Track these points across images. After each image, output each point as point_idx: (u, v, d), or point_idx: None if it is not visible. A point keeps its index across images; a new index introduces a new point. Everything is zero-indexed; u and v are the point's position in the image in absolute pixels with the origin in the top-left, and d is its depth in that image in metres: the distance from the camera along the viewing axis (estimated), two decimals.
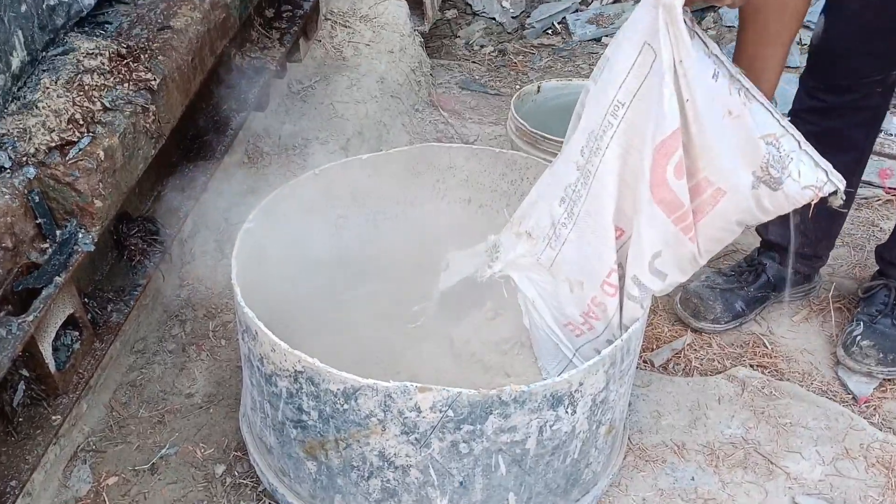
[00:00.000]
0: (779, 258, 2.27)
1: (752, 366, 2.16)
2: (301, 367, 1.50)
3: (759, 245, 2.32)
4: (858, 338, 2.14)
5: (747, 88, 1.60)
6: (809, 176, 1.60)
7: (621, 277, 1.70)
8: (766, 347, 2.21)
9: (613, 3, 3.63)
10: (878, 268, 2.28)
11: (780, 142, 1.60)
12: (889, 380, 2.12)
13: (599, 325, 1.74)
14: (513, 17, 3.72)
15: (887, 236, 2.25)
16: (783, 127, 1.60)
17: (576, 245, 1.72)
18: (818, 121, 2.10)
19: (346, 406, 1.51)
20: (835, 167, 1.60)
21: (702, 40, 1.58)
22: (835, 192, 1.60)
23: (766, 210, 1.65)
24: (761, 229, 2.27)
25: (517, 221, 1.85)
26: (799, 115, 2.14)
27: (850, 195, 2.15)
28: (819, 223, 2.19)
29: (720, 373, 2.14)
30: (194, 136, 2.10)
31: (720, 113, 1.59)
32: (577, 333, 1.78)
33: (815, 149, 1.61)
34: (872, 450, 1.96)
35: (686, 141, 1.58)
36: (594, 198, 1.67)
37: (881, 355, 2.12)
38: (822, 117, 2.11)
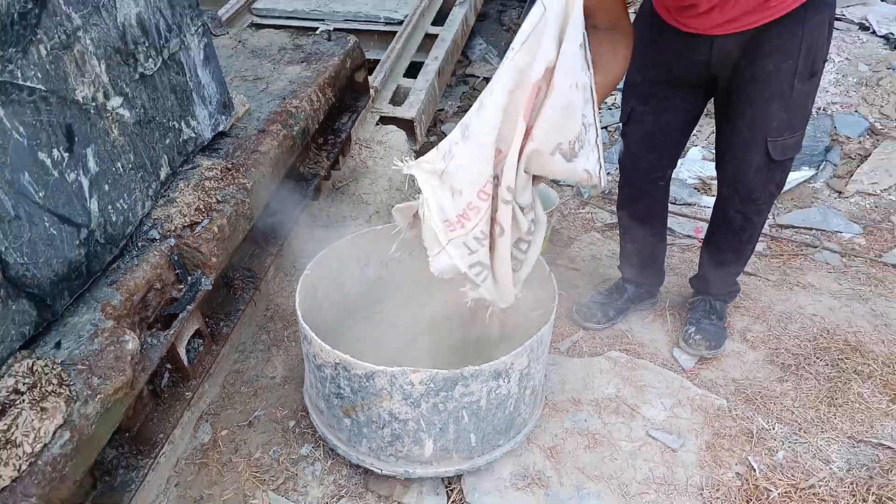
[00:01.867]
0: (634, 284, 2.25)
1: (620, 350, 2.13)
2: (338, 360, 1.49)
3: (622, 277, 2.29)
4: (692, 332, 2.11)
5: (591, 74, 1.37)
6: (592, 165, 1.42)
7: (496, 187, 1.42)
8: (629, 338, 2.19)
9: None
10: (693, 289, 2.26)
11: (590, 129, 1.39)
12: (709, 358, 2.10)
13: (469, 225, 1.44)
14: None
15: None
16: (596, 119, 1.40)
17: (461, 160, 1.41)
18: (629, 205, 2.07)
19: (367, 383, 1.49)
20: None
21: (582, 19, 1.31)
22: (595, 185, 1.42)
23: (550, 171, 1.41)
24: (622, 270, 2.25)
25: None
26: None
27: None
28: (651, 266, 2.21)
29: (601, 355, 2.11)
30: (275, 213, 2.10)
31: (572, 80, 1.33)
32: (451, 229, 1.46)
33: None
34: (695, 400, 1.94)
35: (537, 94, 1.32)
36: (481, 123, 1.37)
37: (707, 342, 2.09)
38: (632, 203, 2.07)
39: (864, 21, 3.55)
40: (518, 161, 1.37)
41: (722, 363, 2.09)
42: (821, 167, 2.93)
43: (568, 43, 1.30)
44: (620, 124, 2.01)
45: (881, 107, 3.05)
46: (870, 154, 2.90)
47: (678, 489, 1.71)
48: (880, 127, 3.00)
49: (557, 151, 1.37)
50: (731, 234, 2.01)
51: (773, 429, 1.87)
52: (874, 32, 3.50)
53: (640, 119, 1.90)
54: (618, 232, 2.24)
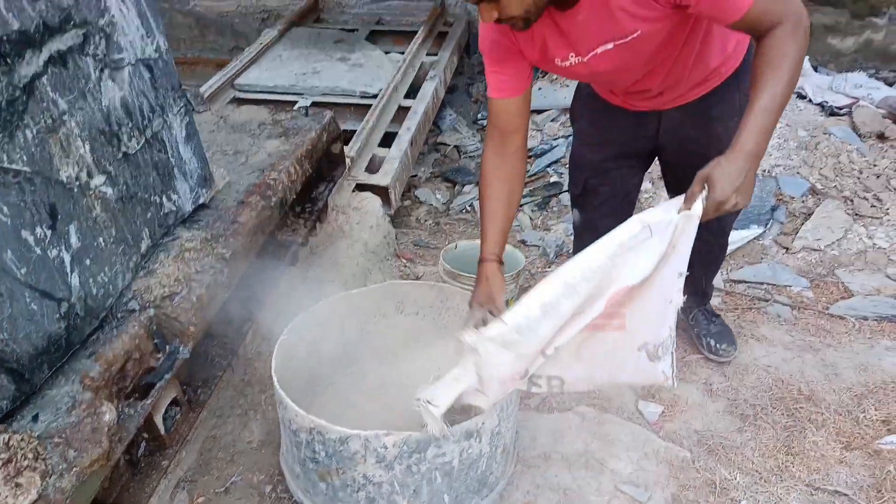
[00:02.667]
0: None
1: (587, 405, 2.12)
2: (313, 425, 1.47)
3: None
4: (713, 343, 2.17)
5: (681, 297, 1.42)
6: (667, 367, 1.49)
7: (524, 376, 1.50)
8: (595, 393, 2.17)
9: None
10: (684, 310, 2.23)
11: (668, 339, 1.46)
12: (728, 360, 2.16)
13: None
14: (443, 204, 3.77)
15: None
16: (672, 332, 1.46)
17: (542, 333, 1.44)
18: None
19: (341, 448, 1.47)
20: None
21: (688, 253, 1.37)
22: (669, 386, 1.52)
23: (629, 368, 1.48)
24: None
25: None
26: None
27: None
28: None
29: (570, 410, 2.10)
30: (253, 280, 2.09)
31: (667, 296, 1.41)
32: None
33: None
34: (660, 453, 1.94)
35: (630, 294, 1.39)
36: (533, 320, 1.42)
37: (731, 345, 2.19)
38: None
39: (800, 90, 3.72)
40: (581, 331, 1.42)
41: (684, 414, 2.10)
42: (768, 225, 3.02)
43: (669, 267, 1.38)
44: (569, 193, 2.05)
45: (820, 168, 3.18)
46: (812, 212, 3.00)
47: None
48: (820, 187, 3.12)
49: (644, 349, 1.46)
50: (709, 254, 2.04)
51: (735, 479, 1.87)
52: (810, 101, 3.67)
53: (594, 190, 1.95)
54: None
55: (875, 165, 3.19)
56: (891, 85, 3.85)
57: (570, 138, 3.82)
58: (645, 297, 1.42)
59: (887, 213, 3.00)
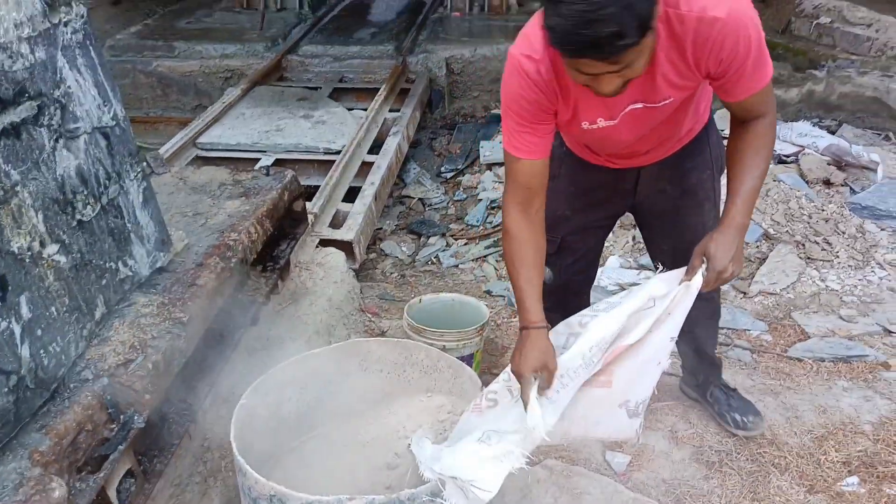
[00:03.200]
0: None
1: (555, 457, 2.13)
2: (273, 492, 1.44)
3: None
4: (739, 418, 2.16)
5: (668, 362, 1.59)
6: (640, 426, 1.61)
7: None
8: (563, 446, 2.18)
9: (465, 245, 3.75)
10: (696, 386, 2.29)
11: (649, 398, 1.61)
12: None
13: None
14: (408, 256, 3.80)
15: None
16: (654, 391, 1.61)
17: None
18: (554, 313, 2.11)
19: None
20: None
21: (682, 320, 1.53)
22: (635, 442, 1.66)
23: (606, 423, 1.59)
24: None
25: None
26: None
27: None
28: None
29: (537, 464, 2.09)
30: (213, 342, 2.07)
31: (658, 358, 1.55)
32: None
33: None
34: None
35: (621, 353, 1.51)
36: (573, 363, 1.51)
37: (756, 415, 2.17)
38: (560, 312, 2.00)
39: None
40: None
41: (652, 464, 2.11)
42: None
43: (663, 331, 1.51)
44: None
45: (772, 214, 3.30)
46: (767, 257, 3.11)
47: None
48: (773, 232, 3.24)
49: (624, 406, 1.54)
50: (709, 314, 2.08)
51: None
52: None
53: (571, 247, 1.98)
54: None
55: (823, 210, 3.33)
56: (833, 133, 4.05)
57: None
58: (635, 357, 1.52)
59: (837, 256, 3.12)
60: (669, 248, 1.93)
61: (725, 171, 1.79)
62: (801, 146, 3.79)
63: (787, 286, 2.98)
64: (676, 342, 2.18)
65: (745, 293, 2.98)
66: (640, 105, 1.48)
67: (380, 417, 1.96)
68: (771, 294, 2.95)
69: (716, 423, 2.24)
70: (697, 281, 1.49)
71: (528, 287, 1.57)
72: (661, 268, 1.62)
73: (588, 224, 1.97)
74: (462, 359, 2.13)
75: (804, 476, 2.04)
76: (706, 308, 2.05)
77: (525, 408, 1.51)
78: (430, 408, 1.91)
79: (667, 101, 1.48)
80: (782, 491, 1.99)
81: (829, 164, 3.61)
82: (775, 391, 2.41)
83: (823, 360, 2.57)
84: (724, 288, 3.04)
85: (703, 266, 1.49)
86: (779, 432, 2.21)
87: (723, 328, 2.78)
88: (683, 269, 1.54)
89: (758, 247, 3.19)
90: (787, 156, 3.73)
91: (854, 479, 2.00)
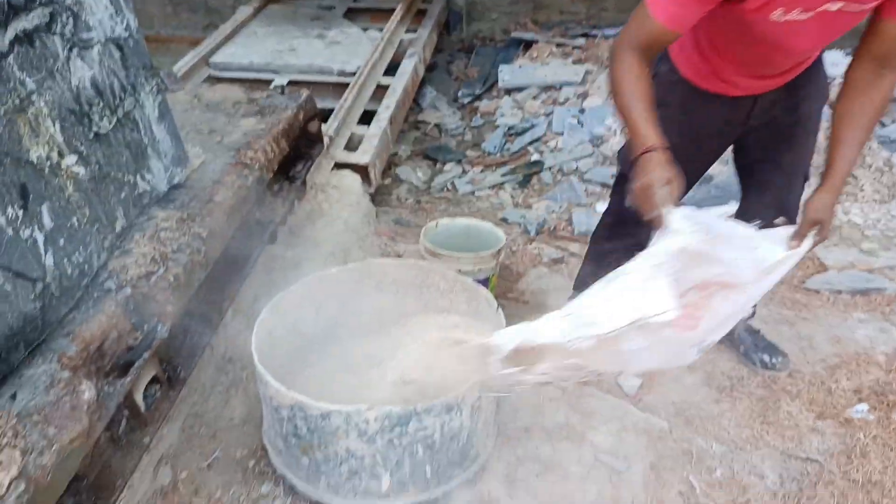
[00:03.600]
0: None
1: None
2: (294, 401, 1.50)
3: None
4: (768, 359, 2.15)
5: None
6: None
7: None
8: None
9: (481, 172, 3.72)
10: None
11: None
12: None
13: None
14: (424, 182, 3.79)
15: None
16: None
17: None
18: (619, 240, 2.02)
19: (323, 423, 1.50)
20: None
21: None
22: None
23: (667, 358, 1.46)
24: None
25: None
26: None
27: None
28: None
29: (550, 384, 2.12)
30: (231, 259, 2.10)
31: (742, 312, 1.49)
32: None
33: None
34: (638, 424, 1.99)
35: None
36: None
37: (783, 354, 2.17)
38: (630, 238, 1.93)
39: None
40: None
41: (662, 387, 2.15)
42: None
43: (759, 288, 1.43)
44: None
45: None
46: None
47: None
48: None
49: (697, 346, 1.44)
50: None
51: (712, 448, 1.93)
52: None
53: None
54: (563, 265, 2.25)
55: None
56: None
57: (554, 117, 3.84)
58: (729, 304, 1.44)
59: (862, 190, 3.06)
60: (764, 179, 1.90)
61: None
62: (832, 76, 3.65)
63: None
64: None
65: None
66: (837, 5, 1.37)
67: (396, 336, 2.00)
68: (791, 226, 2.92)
69: (730, 353, 2.27)
70: (806, 245, 1.48)
71: (642, 115, 1.42)
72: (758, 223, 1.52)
73: (694, 157, 1.86)
74: (477, 283, 2.15)
75: (814, 402, 2.07)
76: None
77: (658, 222, 1.34)
78: (445, 327, 1.94)
79: (864, 8, 1.38)
80: (792, 416, 2.03)
81: None
82: (790, 321, 2.42)
83: (841, 293, 2.57)
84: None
85: (813, 231, 1.50)
86: (792, 360, 2.23)
87: None
88: (789, 228, 1.51)
89: None
90: None
91: (864, 407, 2.03)
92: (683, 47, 1.73)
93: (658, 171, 1.37)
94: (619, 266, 2.00)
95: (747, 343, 2.22)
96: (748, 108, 1.79)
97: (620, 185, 2.01)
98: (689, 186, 1.98)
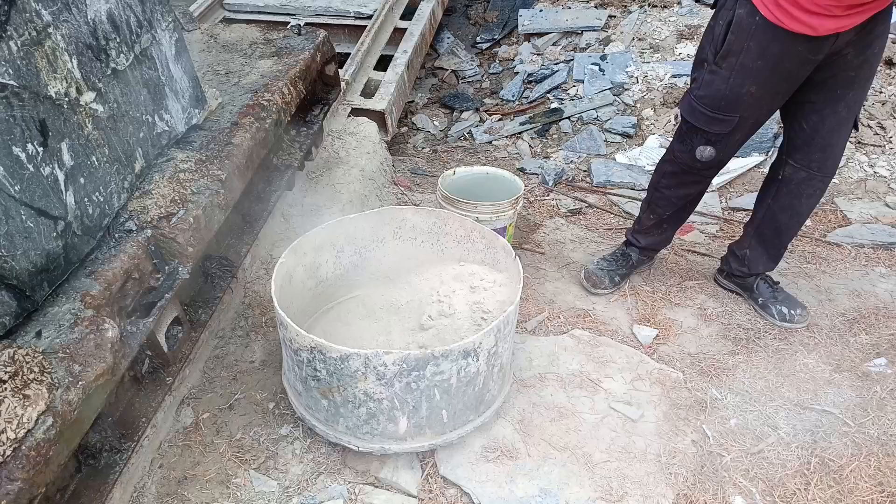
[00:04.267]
0: (639, 251, 2.32)
1: (583, 328, 2.16)
2: (314, 344, 1.50)
3: (628, 245, 2.35)
4: (786, 311, 2.15)
5: None
6: None
7: None
8: (591, 317, 2.22)
9: (499, 120, 3.66)
10: (749, 273, 2.24)
11: None
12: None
13: None
14: (440, 130, 3.73)
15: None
16: None
17: None
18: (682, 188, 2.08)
19: (342, 366, 1.51)
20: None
21: None
22: None
23: None
24: (637, 239, 2.30)
25: None
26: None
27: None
28: (672, 232, 2.27)
29: (565, 333, 2.14)
30: (250, 203, 2.08)
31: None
32: None
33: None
34: (653, 374, 1.99)
35: None
36: None
37: (803, 308, 2.16)
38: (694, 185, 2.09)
39: None
40: None
41: (678, 338, 2.15)
42: (769, 153, 3.00)
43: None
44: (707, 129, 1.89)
45: None
46: None
47: (638, 457, 1.76)
48: None
49: None
50: (799, 214, 2.04)
51: (726, 398, 1.93)
52: None
53: (744, 126, 1.88)
54: (581, 216, 2.23)
55: (881, 92, 3.14)
56: None
57: (575, 63, 3.73)
58: None
59: (890, 142, 2.97)
60: (819, 122, 1.86)
61: None
62: None
63: None
64: (749, 227, 2.17)
65: None
66: None
67: (413, 283, 2.00)
68: None
69: (747, 305, 2.25)
70: None
71: None
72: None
73: (769, 100, 1.84)
74: (495, 231, 2.13)
75: (831, 356, 2.06)
76: (811, 201, 2.02)
77: None
78: (462, 275, 1.93)
79: None
80: (808, 368, 2.02)
81: (893, 42, 3.35)
82: (810, 274, 2.39)
83: (863, 247, 2.53)
84: (766, 171, 2.94)
85: None
86: (810, 313, 2.21)
87: None
88: None
89: None
90: None
91: (882, 361, 2.02)
92: None
93: None
94: (681, 214, 1.95)
95: (765, 294, 2.20)
96: (827, 47, 1.71)
97: (685, 135, 1.96)
98: (754, 133, 1.95)
